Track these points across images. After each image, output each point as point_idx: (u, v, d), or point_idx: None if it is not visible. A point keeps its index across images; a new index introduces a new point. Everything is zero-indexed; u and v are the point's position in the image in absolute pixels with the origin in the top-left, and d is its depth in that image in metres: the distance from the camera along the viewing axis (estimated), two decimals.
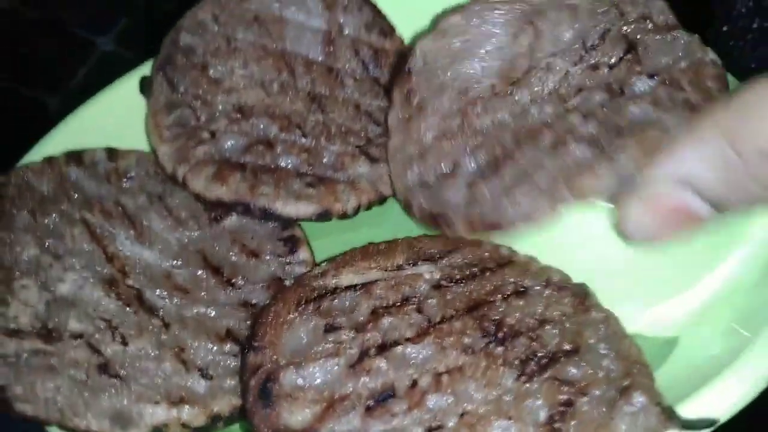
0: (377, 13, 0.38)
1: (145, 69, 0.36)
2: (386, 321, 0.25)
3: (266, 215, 0.31)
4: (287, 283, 0.29)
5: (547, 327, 0.26)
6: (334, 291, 0.27)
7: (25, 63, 0.50)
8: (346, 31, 0.38)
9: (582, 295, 0.28)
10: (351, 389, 0.23)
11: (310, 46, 0.37)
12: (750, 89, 0.23)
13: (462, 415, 0.23)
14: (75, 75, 0.50)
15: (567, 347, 0.25)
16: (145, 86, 0.35)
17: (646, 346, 0.30)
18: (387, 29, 0.38)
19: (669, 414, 0.22)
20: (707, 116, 0.24)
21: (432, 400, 0.23)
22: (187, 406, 0.23)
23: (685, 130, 0.25)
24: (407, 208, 0.31)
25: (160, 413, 0.23)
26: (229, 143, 0.33)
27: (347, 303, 0.26)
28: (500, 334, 0.25)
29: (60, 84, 0.50)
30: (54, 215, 0.28)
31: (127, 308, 0.26)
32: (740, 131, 0.23)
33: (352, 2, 0.38)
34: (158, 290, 0.27)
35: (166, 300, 0.27)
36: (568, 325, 0.26)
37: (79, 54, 0.50)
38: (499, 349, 0.25)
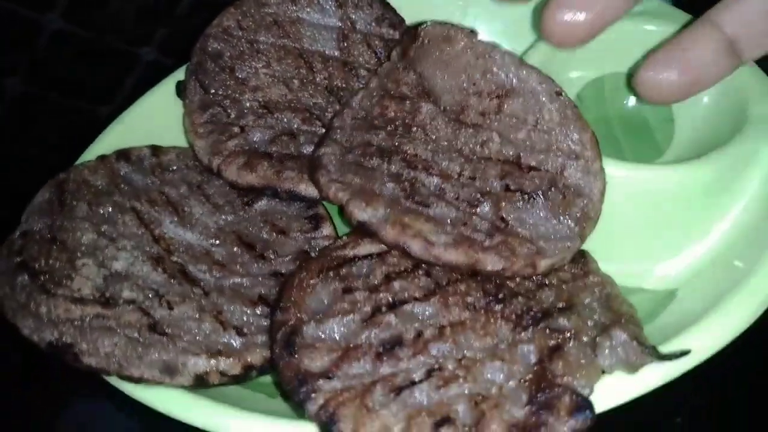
0: (386, 6, 0.41)
1: (180, 74, 0.40)
2: (397, 284, 0.28)
3: (292, 196, 0.35)
4: (312, 255, 0.33)
5: (546, 289, 0.28)
6: (353, 259, 0.30)
7: (79, 79, 0.55)
8: (358, 26, 0.41)
9: (581, 261, 0.30)
10: (363, 340, 0.26)
11: (325, 43, 0.40)
12: None
13: (460, 359, 0.25)
14: (123, 85, 0.55)
15: (561, 305, 0.27)
16: (181, 90, 0.39)
17: (647, 298, 0.33)
18: (395, 21, 0.41)
19: (648, 348, 0.24)
20: None
21: (434, 348, 0.26)
22: (224, 358, 0.27)
23: None
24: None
25: (201, 363, 0.27)
26: (257, 136, 0.37)
27: (363, 269, 0.30)
28: (500, 295, 0.28)
29: (110, 95, 0.55)
30: (108, 205, 0.33)
31: (172, 280, 0.30)
32: None
33: (361, 1, 0.41)
34: (199, 265, 0.31)
35: (206, 274, 0.31)
36: (564, 288, 0.28)
37: (125, 66, 0.55)
38: (498, 306, 0.27)
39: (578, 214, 0.29)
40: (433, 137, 0.33)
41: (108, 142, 0.37)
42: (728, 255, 0.31)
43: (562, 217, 0.29)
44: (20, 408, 0.40)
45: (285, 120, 0.38)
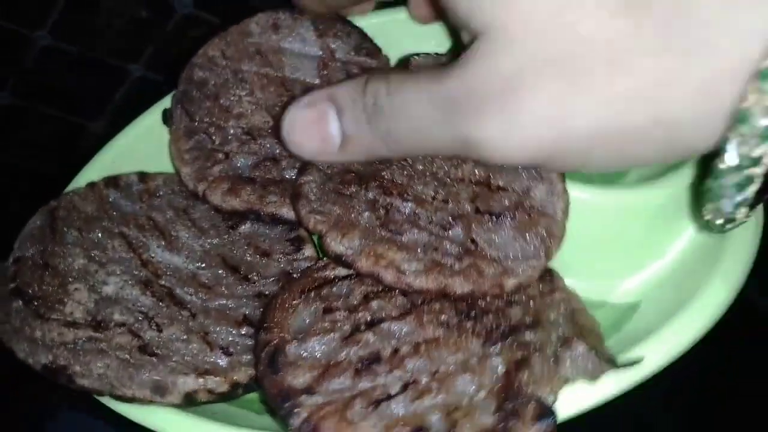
0: (364, 37, 0.43)
1: (166, 102, 0.42)
2: (375, 303, 0.30)
3: (275, 220, 0.36)
4: (295, 276, 0.34)
5: (514, 306, 0.30)
6: (333, 280, 0.31)
7: (69, 93, 0.57)
8: (338, 55, 0.43)
9: (548, 278, 0.32)
10: (343, 357, 0.28)
11: (306, 72, 0.42)
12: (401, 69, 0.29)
13: (434, 373, 0.27)
14: (112, 100, 0.56)
15: (528, 321, 0.29)
16: (167, 117, 0.41)
17: (612, 312, 0.35)
18: (373, 50, 0.43)
19: (605, 358, 0.26)
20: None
21: (410, 363, 0.28)
22: (211, 376, 0.28)
23: None
24: None
25: (190, 382, 0.28)
26: (240, 162, 0.39)
27: (343, 290, 0.31)
28: (472, 313, 0.29)
29: (100, 109, 0.57)
30: (97, 231, 0.34)
31: (161, 303, 0.31)
32: (377, 87, 0.28)
33: (341, 29, 0.43)
34: (186, 288, 0.33)
35: (193, 296, 0.33)
36: (532, 305, 0.30)
37: (113, 81, 0.56)
38: (470, 323, 0.29)
39: (543, 234, 0.31)
40: (410, 162, 0.35)
41: (97, 168, 0.38)
42: (685, 270, 0.33)
43: (528, 237, 0.31)
44: (6, 421, 0.42)
45: (268, 146, 0.39)
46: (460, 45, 0.28)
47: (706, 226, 0.27)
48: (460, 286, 0.29)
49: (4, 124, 0.56)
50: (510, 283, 0.30)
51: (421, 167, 0.34)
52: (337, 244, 0.31)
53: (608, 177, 0.40)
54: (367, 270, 0.30)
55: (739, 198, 0.24)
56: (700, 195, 0.26)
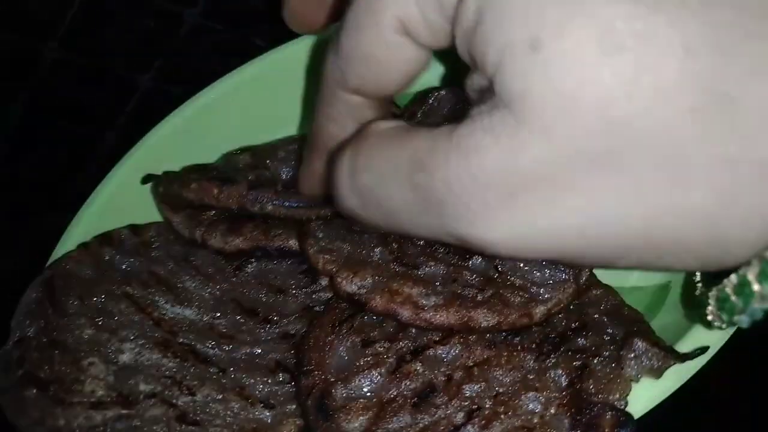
0: None
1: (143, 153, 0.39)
2: (413, 329, 0.29)
3: (283, 254, 0.34)
4: (317, 309, 0.32)
5: (556, 314, 0.29)
6: (361, 309, 0.30)
7: (79, 106, 0.56)
8: None
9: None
10: (395, 392, 0.27)
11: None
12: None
13: (495, 396, 0.26)
14: (123, 111, 0.55)
15: (574, 325, 0.28)
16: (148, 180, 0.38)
17: (643, 296, 0.34)
18: None
19: (668, 351, 0.26)
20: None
21: (467, 389, 0.26)
22: None
23: None
24: None
25: None
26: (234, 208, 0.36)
27: (375, 318, 0.30)
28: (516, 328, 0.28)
29: (110, 121, 0.56)
30: (100, 296, 0.31)
31: (185, 363, 0.29)
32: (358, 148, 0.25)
33: None
34: (207, 342, 0.31)
35: (216, 349, 0.30)
36: (573, 308, 0.29)
37: (124, 93, 0.56)
38: (517, 339, 0.28)
39: None
40: None
41: (83, 227, 0.36)
42: None
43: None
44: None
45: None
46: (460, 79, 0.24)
47: (701, 321, 0.26)
48: (484, 318, 0.27)
49: (15, 137, 0.55)
50: (539, 311, 0.28)
51: None
52: (348, 284, 0.29)
53: None
54: (382, 308, 0.28)
55: (758, 316, 0.21)
56: (706, 296, 0.24)
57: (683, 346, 0.27)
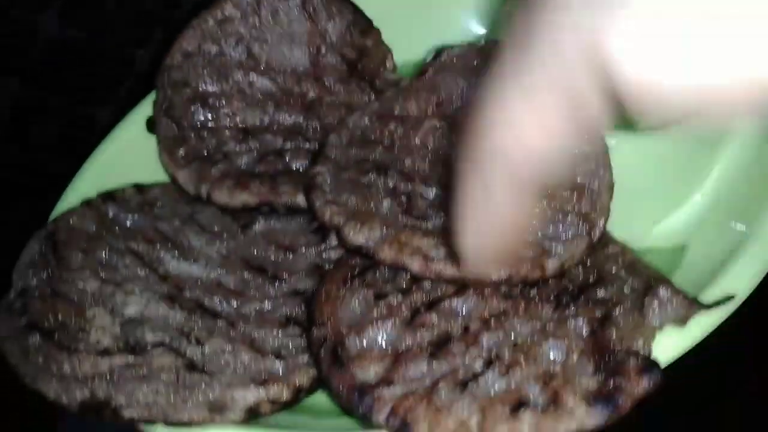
0: (355, 12, 0.40)
1: (147, 107, 0.38)
2: (426, 283, 0.28)
3: (290, 211, 0.34)
4: (327, 267, 0.32)
5: (572, 268, 0.28)
6: (375, 264, 0.29)
7: (76, 82, 0.55)
8: (329, 38, 0.40)
9: None
10: (412, 343, 0.26)
11: (296, 59, 0.39)
12: None
13: (515, 345, 0.25)
14: (120, 87, 0.55)
15: (592, 279, 0.28)
16: (152, 126, 0.37)
17: (659, 258, 0.33)
18: (366, 27, 0.40)
19: (693, 300, 0.25)
20: None
21: (485, 339, 0.26)
22: (272, 385, 0.26)
23: None
24: None
25: (250, 395, 0.25)
26: (241, 159, 0.36)
27: (386, 273, 0.29)
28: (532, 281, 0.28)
29: (108, 99, 0.55)
30: (104, 250, 0.30)
31: (193, 316, 0.28)
32: None
33: (332, 8, 0.40)
34: (215, 297, 0.30)
35: (224, 304, 0.30)
36: (589, 263, 0.29)
37: (121, 68, 0.55)
38: (533, 291, 0.27)
39: (586, 209, 0.30)
40: (433, 148, 0.33)
41: (85, 184, 0.35)
42: (730, 199, 0.32)
43: (569, 214, 0.29)
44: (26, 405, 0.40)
45: (268, 140, 0.37)
46: None
47: None
48: (495, 270, 0.27)
49: (12, 115, 0.54)
50: (552, 264, 0.28)
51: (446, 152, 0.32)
52: (356, 235, 0.29)
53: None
54: (391, 260, 0.28)
55: None
56: None
57: (707, 297, 0.26)
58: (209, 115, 0.37)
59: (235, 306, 0.30)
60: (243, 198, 0.33)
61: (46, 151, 0.56)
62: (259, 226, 0.34)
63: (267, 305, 0.30)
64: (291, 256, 0.33)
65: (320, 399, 0.28)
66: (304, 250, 0.33)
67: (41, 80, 0.54)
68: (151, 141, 0.37)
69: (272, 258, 0.32)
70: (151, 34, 0.55)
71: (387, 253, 0.28)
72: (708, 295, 0.26)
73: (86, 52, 0.54)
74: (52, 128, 0.56)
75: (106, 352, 0.26)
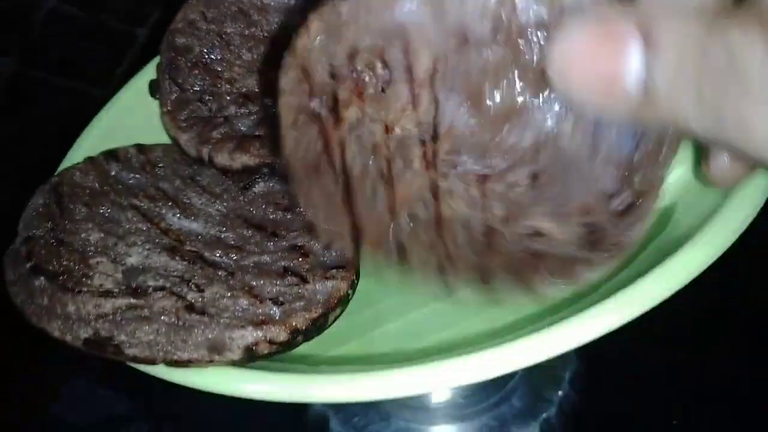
0: None
1: (149, 71, 0.39)
2: None
3: None
4: None
5: None
6: None
7: (74, 59, 0.56)
8: None
9: None
10: None
11: (294, 27, 0.40)
12: None
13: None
14: (119, 65, 0.54)
15: None
16: (154, 89, 0.38)
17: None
18: None
19: None
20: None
21: None
22: (269, 326, 0.26)
23: None
24: None
25: (248, 335, 0.26)
26: (241, 123, 0.37)
27: None
28: None
29: (106, 76, 0.55)
30: (107, 205, 0.31)
31: (194, 266, 0.29)
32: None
33: None
34: (215, 251, 0.31)
35: (224, 257, 0.30)
36: None
37: (120, 46, 0.55)
38: None
39: None
40: None
41: (87, 144, 0.36)
42: None
43: None
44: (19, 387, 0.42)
45: (266, 105, 0.38)
46: None
47: None
48: None
49: (9, 91, 0.54)
50: None
51: None
52: None
53: None
54: None
55: None
56: None
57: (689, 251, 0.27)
58: (211, 81, 0.38)
59: (234, 258, 0.30)
60: (243, 160, 0.34)
61: (44, 127, 0.57)
62: (259, 187, 0.35)
63: (266, 258, 0.31)
64: (288, 215, 0.33)
65: (316, 351, 0.29)
66: (301, 210, 0.34)
67: (38, 57, 0.55)
68: (153, 104, 0.38)
69: (271, 217, 0.33)
70: (150, 13, 0.55)
71: None
72: (689, 250, 0.27)
73: (85, 29, 0.55)
74: (48, 104, 0.57)
75: (109, 294, 0.26)
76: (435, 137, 0.23)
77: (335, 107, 0.24)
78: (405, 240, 0.26)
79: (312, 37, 0.23)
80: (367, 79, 0.23)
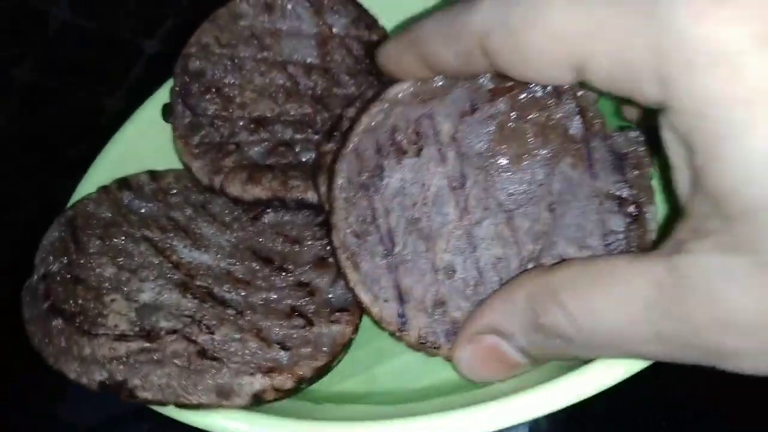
0: (360, 8, 0.42)
1: (161, 95, 0.40)
2: None
3: (300, 205, 0.35)
4: (330, 260, 0.33)
5: None
6: None
7: (86, 69, 0.56)
8: (335, 31, 0.41)
9: None
10: None
11: (305, 52, 0.41)
12: (564, 267, 0.24)
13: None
14: (128, 76, 0.55)
15: None
16: (167, 113, 0.39)
17: None
18: (371, 22, 0.42)
19: None
20: (525, 276, 0.25)
21: None
22: (276, 374, 0.28)
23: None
24: None
25: (257, 383, 0.27)
26: (253, 150, 0.37)
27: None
28: None
29: (117, 85, 0.56)
30: (120, 237, 0.32)
31: (204, 304, 0.30)
32: (545, 306, 0.23)
33: (337, 3, 0.41)
34: (224, 286, 0.32)
35: (233, 293, 0.31)
36: None
37: (129, 57, 0.56)
38: None
39: None
40: None
41: (101, 170, 0.36)
42: None
43: None
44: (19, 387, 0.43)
45: (278, 132, 0.38)
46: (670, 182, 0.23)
47: None
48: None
49: (22, 100, 0.55)
50: None
51: None
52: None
53: None
54: None
55: None
56: None
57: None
58: (223, 105, 0.38)
59: (242, 294, 0.31)
60: (255, 192, 0.35)
61: (57, 137, 0.57)
62: (268, 217, 0.36)
63: (273, 295, 0.32)
64: (297, 247, 0.34)
65: (320, 387, 0.30)
66: (309, 243, 0.35)
67: (51, 67, 0.55)
68: (165, 129, 0.38)
69: (279, 249, 0.34)
70: (160, 24, 0.55)
71: None
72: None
73: (96, 40, 0.55)
74: (60, 114, 0.57)
75: (123, 337, 0.27)
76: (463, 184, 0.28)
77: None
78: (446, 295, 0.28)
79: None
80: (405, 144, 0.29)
